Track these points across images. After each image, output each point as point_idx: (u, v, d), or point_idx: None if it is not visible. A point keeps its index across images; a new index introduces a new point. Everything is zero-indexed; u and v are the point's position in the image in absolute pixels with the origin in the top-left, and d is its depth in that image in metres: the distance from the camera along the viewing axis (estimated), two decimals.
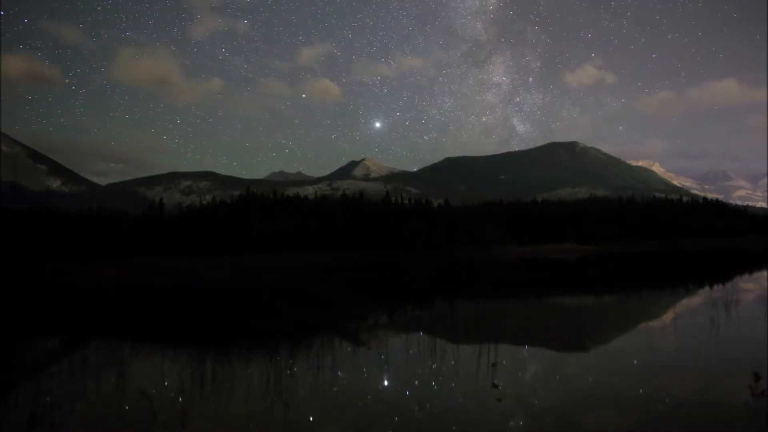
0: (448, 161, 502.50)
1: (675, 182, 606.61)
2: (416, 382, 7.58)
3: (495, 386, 6.69)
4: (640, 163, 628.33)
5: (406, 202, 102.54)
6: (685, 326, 11.47)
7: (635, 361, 8.36)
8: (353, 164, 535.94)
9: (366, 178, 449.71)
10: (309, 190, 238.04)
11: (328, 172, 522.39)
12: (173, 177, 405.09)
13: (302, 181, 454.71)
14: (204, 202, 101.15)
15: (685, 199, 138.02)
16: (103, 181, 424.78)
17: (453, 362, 8.34)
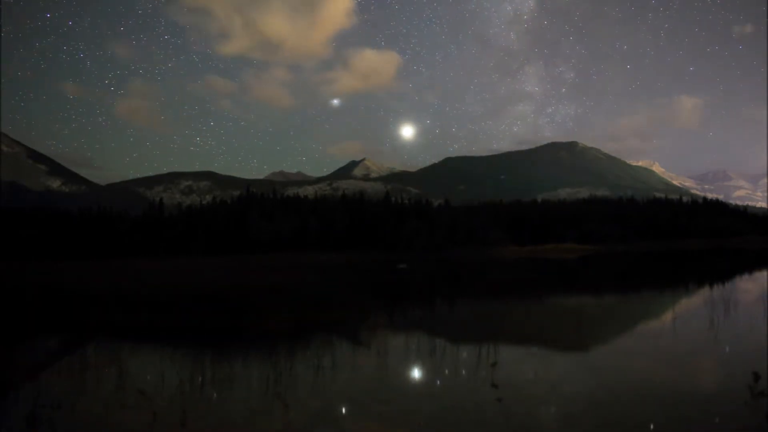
0: (448, 161, 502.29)
1: (675, 182, 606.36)
2: (416, 382, 7.59)
3: (495, 386, 6.69)
4: (640, 163, 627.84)
5: (406, 202, 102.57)
6: (685, 326, 11.47)
7: (635, 361, 8.36)
8: (353, 164, 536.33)
9: (366, 178, 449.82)
10: (309, 190, 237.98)
11: (328, 172, 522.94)
12: (173, 177, 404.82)
13: (302, 181, 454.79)
14: (204, 202, 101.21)
15: (685, 199, 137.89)
16: (103, 181, 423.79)
17: (453, 362, 8.35)
